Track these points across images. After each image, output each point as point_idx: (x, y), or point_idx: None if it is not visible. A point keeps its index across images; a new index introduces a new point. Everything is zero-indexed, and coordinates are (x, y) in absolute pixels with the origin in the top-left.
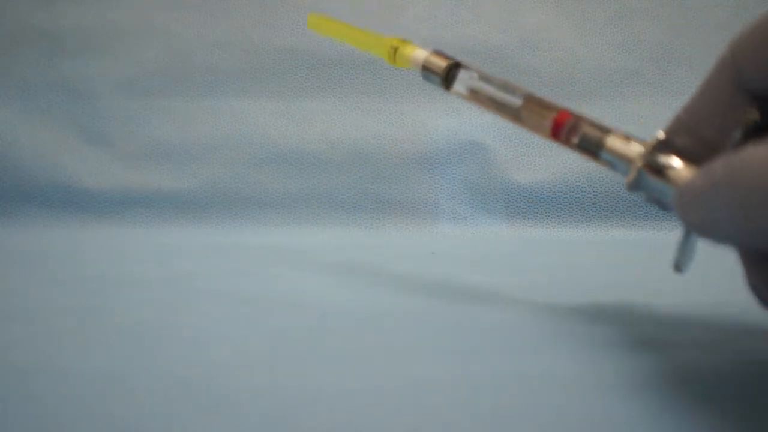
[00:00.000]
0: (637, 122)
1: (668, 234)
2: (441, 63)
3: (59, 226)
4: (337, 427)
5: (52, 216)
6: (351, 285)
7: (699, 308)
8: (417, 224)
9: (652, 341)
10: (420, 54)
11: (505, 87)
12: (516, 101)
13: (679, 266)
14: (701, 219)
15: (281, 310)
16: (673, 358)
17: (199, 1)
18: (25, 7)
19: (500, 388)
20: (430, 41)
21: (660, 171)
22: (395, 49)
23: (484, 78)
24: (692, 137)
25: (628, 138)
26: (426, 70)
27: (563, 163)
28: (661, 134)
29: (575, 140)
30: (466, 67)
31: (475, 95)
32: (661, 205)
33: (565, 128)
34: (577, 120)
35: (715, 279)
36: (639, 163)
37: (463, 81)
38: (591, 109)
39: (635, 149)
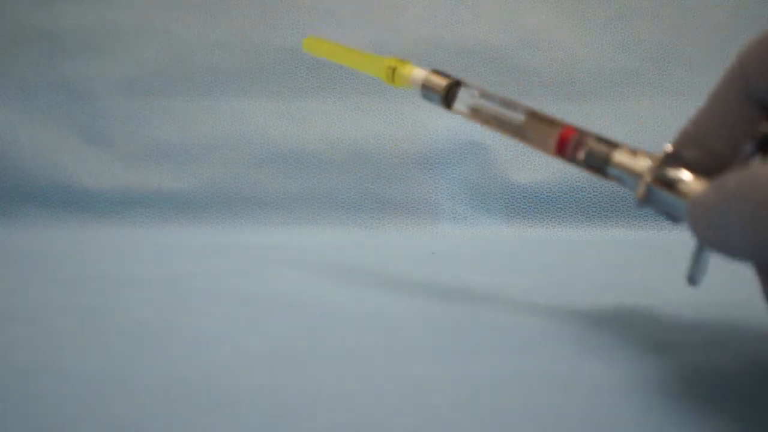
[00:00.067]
0: (637, 122)
1: (668, 234)
2: (441, 82)
3: (59, 226)
4: (337, 427)
5: (52, 216)
6: (351, 285)
7: (699, 308)
8: (417, 224)
9: (652, 341)
10: (419, 73)
11: (507, 104)
12: (518, 118)
13: (692, 279)
14: (713, 233)
15: (281, 310)
16: (674, 359)
17: (199, 1)
18: (25, 7)
19: (500, 388)
20: (430, 41)
21: (670, 185)
22: (393, 69)
23: (485, 95)
24: (701, 149)
25: (635, 152)
26: (426, 89)
27: (563, 164)
28: (669, 147)
29: (581, 156)
30: (467, 85)
31: (476, 114)
32: (671, 217)
33: (570, 144)
34: (581, 136)
35: (716, 279)
36: (648, 178)
37: (463, 99)
38: (591, 109)
39: (643, 163)
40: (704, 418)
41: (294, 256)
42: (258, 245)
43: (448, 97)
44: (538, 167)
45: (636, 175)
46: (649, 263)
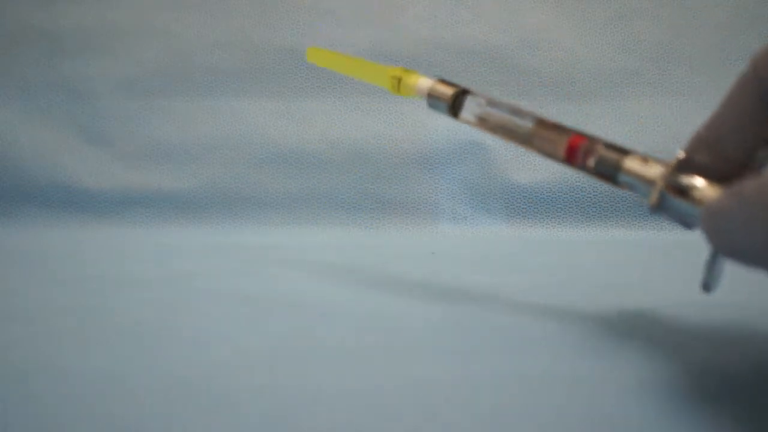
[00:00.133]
0: (637, 122)
1: (668, 234)
2: (447, 91)
3: (59, 226)
4: (337, 427)
5: (52, 216)
6: (351, 285)
7: (699, 309)
8: (417, 224)
9: (652, 342)
10: (425, 83)
11: (514, 111)
12: (526, 125)
13: (707, 286)
14: (729, 240)
15: (281, 310)
16: (674, 359)
17: (199, 1)
18: (25, 7)
19: (500, 388)
20: (430, 41)
21: (683, 191)
22: (399, 79)
23: (492, 103)
24: (714, 155)
25: (646, 158)
26: (432, 98)
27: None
28: (681, 153)
29: (591, 164)
30: (473, 94)
31: (483, 122)
32: (683, 224)
33: (579, 152)
34: (591, 143)
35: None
36: (661, 185)
37: (470, 108)
38: (591, 109)
39: (655, 170)
40: (705, 418)
41: (294, 256)
42: (258, 245)
43: (454, 106)
44: (538, 167)
45: (648, 182)
46: (649, 263)
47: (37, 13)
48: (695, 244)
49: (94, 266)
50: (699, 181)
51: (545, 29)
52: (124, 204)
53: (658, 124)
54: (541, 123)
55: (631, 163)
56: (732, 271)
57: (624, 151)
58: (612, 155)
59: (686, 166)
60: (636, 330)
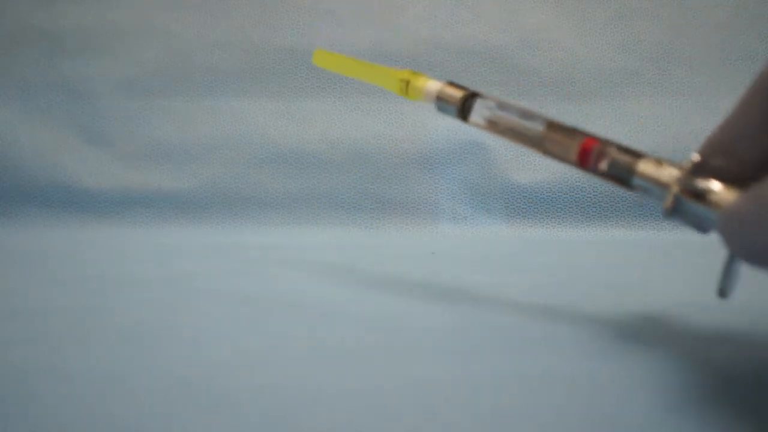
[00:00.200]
0: (637, 122)
1: (668, 234)
2: (456, 94)
3: (59, 226)
4: (337, 427)
5: (52, 216)
6: (351, 285)
7: (699, 309)
8: (417, 224)
9: (652, 341)
10: (433, 86)
11: (525, 114)
12: (537, 128)
13: (723, 291)
14: (750, 244)
15: (281, 310)
16: (674, 358)
17: (199, 1)
18: (25, 7)
19: (500, 388)
20: (430, 41)
21: (699, 195)
22: (407, 82)
23: (502, 106)
24: (729, 158)
25: (660, 161)
26: (441, 101)
27: (563, 164)
28: (696, 156)
29: (603, 167)
30: (483, 97)
31: (493, 126)
32: (698, 228)
33: (593, 155)
34: (603, 145)
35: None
36: (676, 188)
37: (479, 111)
38: (591, 109)
39: (670, 173)
40: (706, 418)
41: (294, 256)
42: (258, 245)
43: (464, 109)
44: (538, 167)
45: (662, 185)
46: (649, 263)
47: (37, 13)
48: (695, 244)
49: (94, 266)
50: (715, 185)
51: (545, 29)
52: (124, 204)
53: (658, 124)
54: (552, 126)
55: (645, 167)
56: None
57: (637, 154)
58: (625, 158)
59: (701, 169)
60: (636, 330)
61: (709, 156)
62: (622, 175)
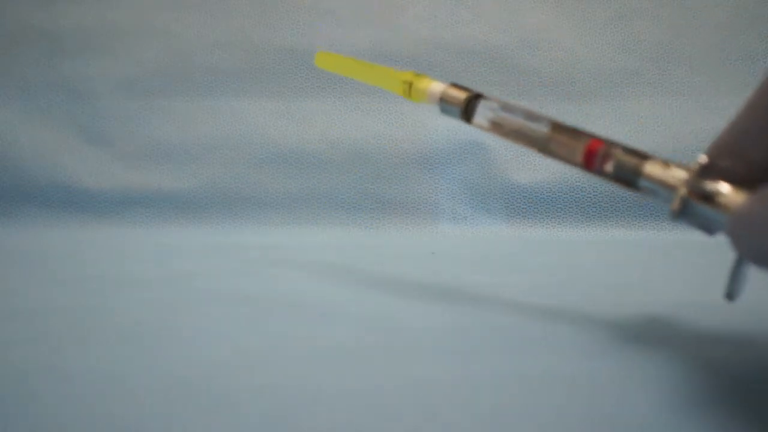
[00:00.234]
0: (637, 122)
1: (668, 234)
2: (460, 95)
3: (59, 226)
4: (337, 427)
5: (52, 216)
6: (351, 285)
7: (698, 308)
8: (417, 224)
9: (652, 341)
10: (437, 87)
11: (529, 116)
12: (541, 130)
13: (731, 294)
14: (758, 246)
15: (281, 310)
16: (674, 358)
17: (199, 1)
18: (25, 7)
19: (500, 388)
20: (430, 41)
21: (708, 198)
22: (410, 84)
23: (506, 108)
24: (737, 159)
25: (667, 163)
26: (444, 103)
27: (563, 164)
28: (703, 158)
29: (609, 168)
30: (487, 98)
31: (497, 127)
32: (705, 230)
33: (598, 157)
34: (608, 147)
35: (716, 280)
36: (683, 190)
37: (483, 113)
38: (591, 109)
39: (677, 175)
40: (706, 418)
41: (294, 256)
42: (258, 245)
43: (467, 110)
44: (538, 167)
45: (670, 187)
46: (649, 263)
47: (37, 13)
48: (695, 244)
49: (94, 266)
50: (724, 187)
51: (545, 29)
52: (124, 204)
53: (658, 124)
54: (557, 127)
55: (652, 168)
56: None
57: (643, 156)
58: (631, 160)
59: (709, 170)
60: (636, 330)
61: (717, 158)
62: (629, 177)
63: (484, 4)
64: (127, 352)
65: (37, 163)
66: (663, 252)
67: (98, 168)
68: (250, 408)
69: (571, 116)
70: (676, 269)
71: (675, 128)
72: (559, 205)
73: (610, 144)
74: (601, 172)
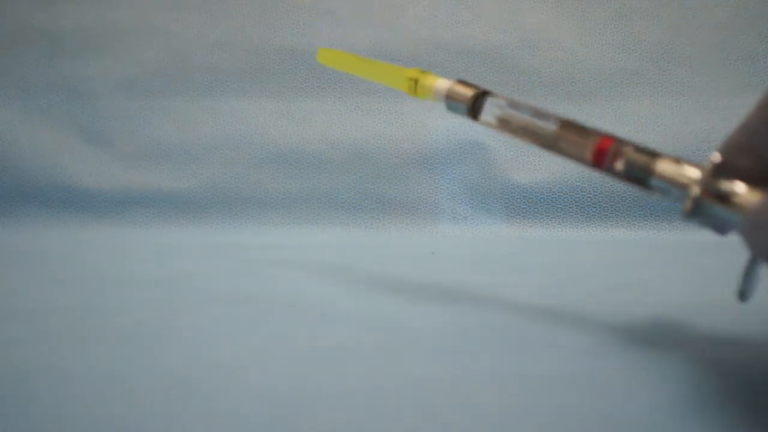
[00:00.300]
0: (637, 122)
1: (668, 234)
2: (467, 92)
3: (59, 226)
4: (337, 427)
5: (52, 216)
6: (351, 285)
7: (698, 308)
8: (417, 224)
9: (652, 341)
10: (443, 84)
11: (537, 113)
12: (550, 127)
13: (743, 294)
14: None
15: (281, 310)
16: (674, 358)
17: (199, 1)
18: (25, 7)
19: (500, 388)
20: (430, 41)
21: (723, 197)
22: (416, 81)
23: (514, 105)
24: (751, 158)
25: (679, 161)
26: (450, 100)
27: (563, 163)
28: (717, 157)
29: (619, 167)
30: (494, 95)
31: (505, 124)
32: (717, 230)
33: (608, 155)
34: (619, 145)
35: (715, 280)
36: (697, 190)
37: (490, 110)
38: (591, 109)
39: (690, 174)
40: (706, 418)
41: (294, 256)
42: (258, 245)
43: (474, 108)
44: (538, 167)
45: (682, 186)
46: (649, 263)
47: (37, 13)
48: (695, 244)
49: (94, 266)
50: (739, 187)
51: (545, 29)
52: (124, 204)
53: (658, 124)
54: (566, 125)
55: (664, 167)
56: (731, 272)
57: (654, 154)
58: (643, 158)
59: (722, 169)
60: (636, 330)
61: (729, 156)
62: (640, 176)
63: (484, 4)
64: (127, 352)
65: (37, 163)
66: (663, 252)
67: (98, 168)
68: (250, 408)
69: (571, 116)
70: (676, 269)
71: (675, 128)
72: (559, 205)
73: (621, 142)
74: (611, 171)
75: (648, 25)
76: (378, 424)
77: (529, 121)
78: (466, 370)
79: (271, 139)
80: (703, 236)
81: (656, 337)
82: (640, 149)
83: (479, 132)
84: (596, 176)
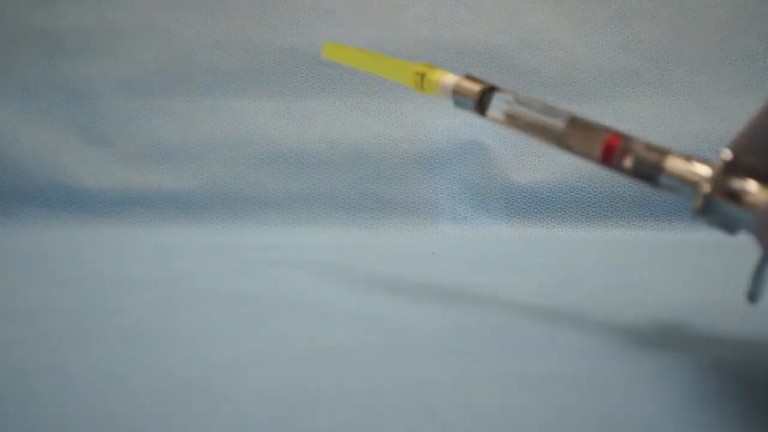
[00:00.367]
0: (637, 122)
1: (668, 234)
2: (474, 88)
3: (59, 226)
4: (337, 427)
5: (52, 216)
6: (351, 285)
7: (698, 308)
8: (417, 224)
9: (652, 341)
10: (450, 79)
11: (546, 109)
12: (558, 124)
13: (753, 296)
14: None
15: (281, 310)
16: (674, 358)
17: (199, 1)
18: (25, 7)
19: (500, 388)
20: (430, 41)
21: (734, 196)
22: (422, 75)
23: (522, 101)
24: (762, 155)
25: (689, 158)
26: (458, 95)
27: (563, 163)
28: (728, 154)
29: (628, 164)
30: (502, 91)
31: (512, 120)
32: (726, 229)
33: (617, 152)
34: (628, 142)
35: (713, 279)
36: (708, 188)
37: (498, 105)
38: (591, 109)
39: (701, 171)
40: (706, 417)
41: (294, 256)
42: (258, 245)
43: (481, 103)
44: (538, 167)
45: (692, 184)
46: (649, 263)
47: (37, 13)
48: (695, 244)
49: (94, 266)
50: (751, 185)
51: (545, 29)
52: (124, 204)
53: (658, 124)
54: (575, 121)
55: (674, 164)
56: (731, 273)
57: (663, 151)
58: (651, 155)
59: (733, 167)
60: (636, 330)
61: (740, 154)
62: (649, 173)
63: (484, 4)
64: (127, 352)
65: (37, 163)
66: (663, 252)
67: (98, 168)
68: (250, 408)
69: None
70: (676, 269)
71: (675, 128)
72: (559, 205)
73: (630, 139)
74: (619, 168)
75: (648, 25)
76: (378, 424)
77: (537, 118)
78: (466, 370)
79: (271, 139)
80: (703, 236)
81: (656, 337)
82: (649, 146)
83: (479, 132)
84: (596, 176)
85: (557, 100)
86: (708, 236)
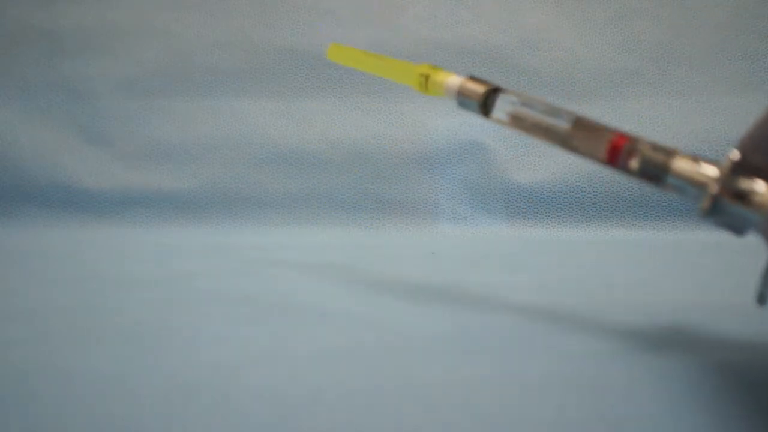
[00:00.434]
0: (637, 122)
1: (668, 234)
2: (478, 89)
3: (59, 226)
4: (337, 427)
5: (52, 216)
6: (351, 285)
7: (698, 309)
8: (417, 224)
9: (652, 341)
10: (454, 80)
11: (550, 110)
12: (563, 125)
13: (763, 298)
14: None
15: (281, 310)
16: (674, 358)
17: (199, 1)
18: (25, 7)
19: (500, 389)
20: (430, 41)
21: (742, 196)
22: (426, 77)
23: (527, 102)
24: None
25: (696, 159)
26: (462, 97)
27: (563, 163)
28: (736, 154)
29: (634, 165)
30: (506, 92)
31: (517, 122)
32: (734, 230)
33: (623, 153)
34: (633, 142)
35: (714, 279)
36: (715, 189)
37: (502, 107)
38: (591, 109)
39: (708, 172)
40: (706, 417)
41: (294, 256)
42: (258, 245)
43: (486, 104)
44: (538, 167)
45: (699, 185)
46: (649, 263)
47: (37, 13)
48: (695, 244)
49: (94, 266)
50: (760, 185)
51: (545, 29)
52: (124, 204)
53: (658, 124)
54: (580, 122)
55: (681, 165)
56: (731, 273)
57: (670, 152)
58: (658, 156)
59: (742, 167)
60: (636, 330)
61: (748, 154)
62: (655, 174)
63: (484, 4)
64: (127, 352)
65: (37, 163)
66: (663, 252)
67: (98, 168)
68: (250, 408)
69: None
70: (676, 269)
71: (675, 128)
72: (559, 205)
73: (636, 140)
74: (625, 169)
75: (648, 25)
76: (378, 424)
77: (542, 119)
78: (466, 370)
79: (271, 139)
80: (703, 236)
81: (656, 338)
82: (656, 147)
83: (479, 132)
84: (596, 176)
85: (557, 100)
86: (708, 236)
